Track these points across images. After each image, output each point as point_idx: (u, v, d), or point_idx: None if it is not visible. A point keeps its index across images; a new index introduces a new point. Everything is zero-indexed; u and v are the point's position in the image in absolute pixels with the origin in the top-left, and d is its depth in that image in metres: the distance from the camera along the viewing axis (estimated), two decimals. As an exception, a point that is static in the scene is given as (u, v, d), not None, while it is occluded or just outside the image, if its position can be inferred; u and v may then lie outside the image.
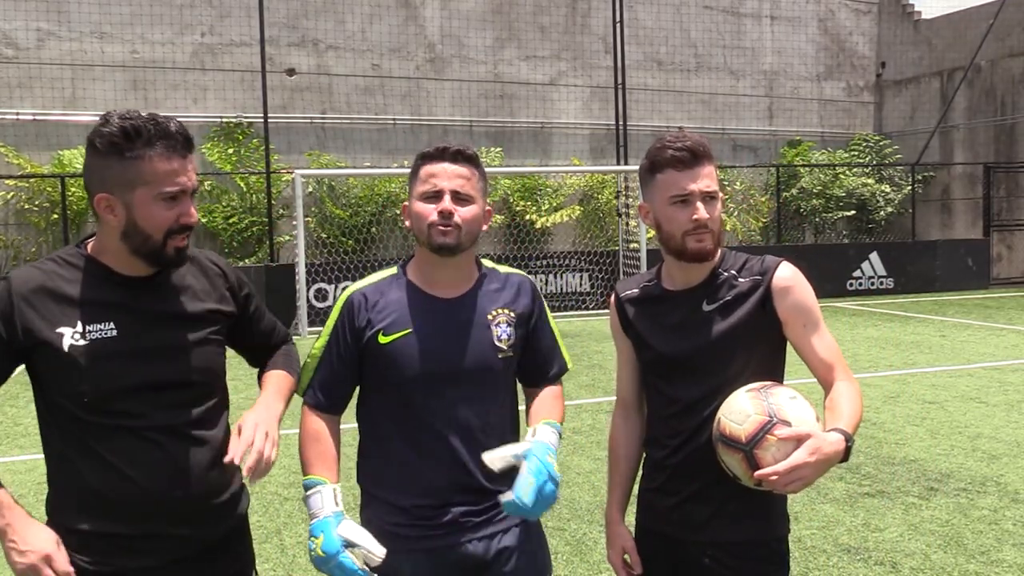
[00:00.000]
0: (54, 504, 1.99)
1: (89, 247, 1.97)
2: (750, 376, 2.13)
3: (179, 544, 1.96)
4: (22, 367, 1.94)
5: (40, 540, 1.85)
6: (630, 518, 2.39)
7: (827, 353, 2.14)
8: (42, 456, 1.98)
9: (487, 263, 2.32)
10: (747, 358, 2.15)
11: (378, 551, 1.97)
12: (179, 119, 1.96)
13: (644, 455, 2.35)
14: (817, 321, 2.18)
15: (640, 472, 2.37)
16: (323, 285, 14.50)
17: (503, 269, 2.32)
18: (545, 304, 2.36)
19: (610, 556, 2.34)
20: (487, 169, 2.34)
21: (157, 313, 1.95)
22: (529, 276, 2.44)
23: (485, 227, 2.22)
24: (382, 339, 2.12)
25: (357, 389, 2.25)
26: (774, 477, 1.85)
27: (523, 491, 1.95)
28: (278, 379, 2.20)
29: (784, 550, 2.23)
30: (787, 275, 2.20)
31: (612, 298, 2.39)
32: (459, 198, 2.12)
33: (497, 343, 2.17)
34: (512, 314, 2.21)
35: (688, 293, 2.22)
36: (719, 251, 2.24)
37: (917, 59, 21.93)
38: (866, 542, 4.65)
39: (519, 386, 2.33)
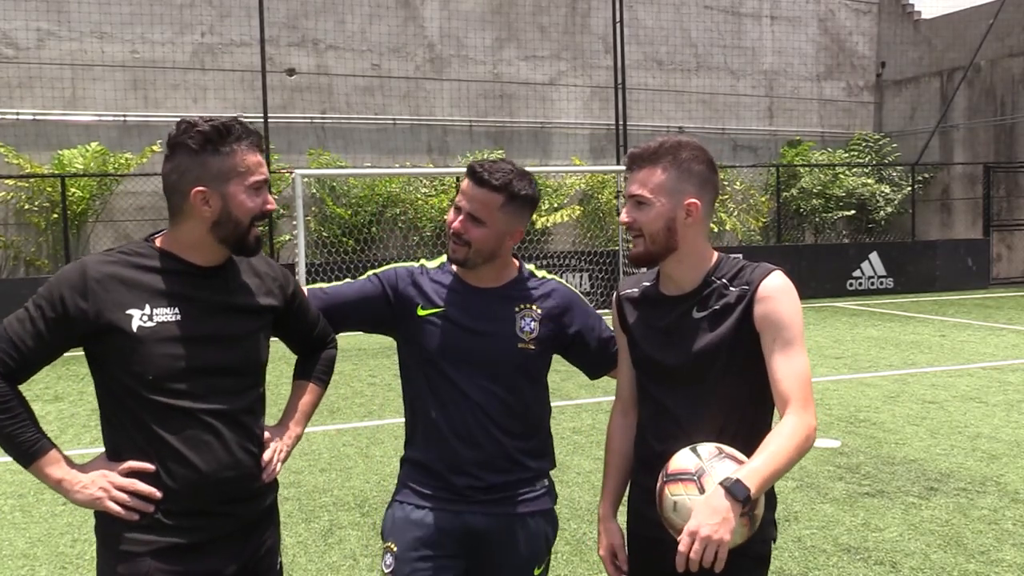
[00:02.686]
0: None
1: (158, 241, 2.13)
2: (733, 389, 2.10)
3: (222, 522, 2.11)
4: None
5: (91, 472, 2.03)
6: (623, 518, 2.39)
7: (789, 380, 2.03)
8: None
9: (530, 267, 2.55)
10: (730, 370, 2.11)
11: None
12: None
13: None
14: (789, 339, 2.06)
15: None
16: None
17: (542, 274, 2.55)
18: (591, 309, 2.55)
19: (600, 552, 2.33)
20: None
21: (216, 303, 2.11)
22: (568, 285, 2.58)
23: (511, 242, 2.38)
24: (420, 311, 2.39)
25: (398, 364, 2.52)
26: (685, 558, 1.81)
27: None
28: (306, 399, 2.45)
29: (767, 552, 2.18)
30: (773, 285, 2.10)
31: (614, 296, 2.40)
32: (473, 219, 2.31)
33: (519, 333, 2.37)
34: (539, 311, 2.41)
35: (681, 299, 2.19)
36: (714, 256, 2.20)
37: (917, 59, 21.93)
38: (866, 542, 4.65)
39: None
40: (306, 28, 17.50)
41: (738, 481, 1.85)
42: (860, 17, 22.64)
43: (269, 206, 2.11)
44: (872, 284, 17.79)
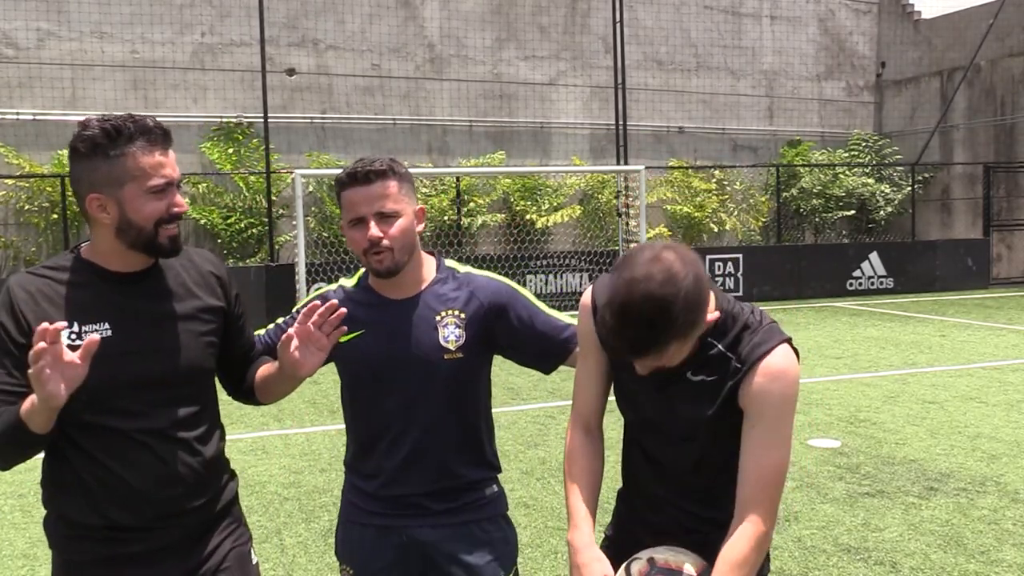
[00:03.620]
0: (48, 493, 2.05)
1: (83, 251, 2.03)
2: (722, 451, 1.92)
3: (163, 533, 2.02)
4: None
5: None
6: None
7: (757, 477, 1.84)
8: (41, 456, 2.02)
9: (451, 263, 2.35)
10: (720, 436, 1.91)
11: None
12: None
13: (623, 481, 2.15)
14: (770, 428, 1.83)
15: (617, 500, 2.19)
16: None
17: (465, 270, 2.34)
18: (524, 296, 2.33)
19: None
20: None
21: (150, 312, 2.00)
22: (497, 277, 2.36)
23: (420, 227, 2.25)
24: (341, 339, 2.17)
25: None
26: None
27: None
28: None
29: None
30: (771, 368, 1.84)
31: (587, 299, 2.06)
32: (384, 217, 2.15)
33: (444, 343, 2.22)
34: (462, 315, 2.24)
35: None
36: (718, 312, 1.88)
37: (917, 59, 21.93)
38: (866, 542, 4.65)
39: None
40: (306, 28, 17.49)
41: None
42: (860, 17, 22.63)
43: (176, 208, 1.95)
44: (872, 284, 17.78)
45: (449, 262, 2.36)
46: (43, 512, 2.09)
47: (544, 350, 2.31)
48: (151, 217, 1.93)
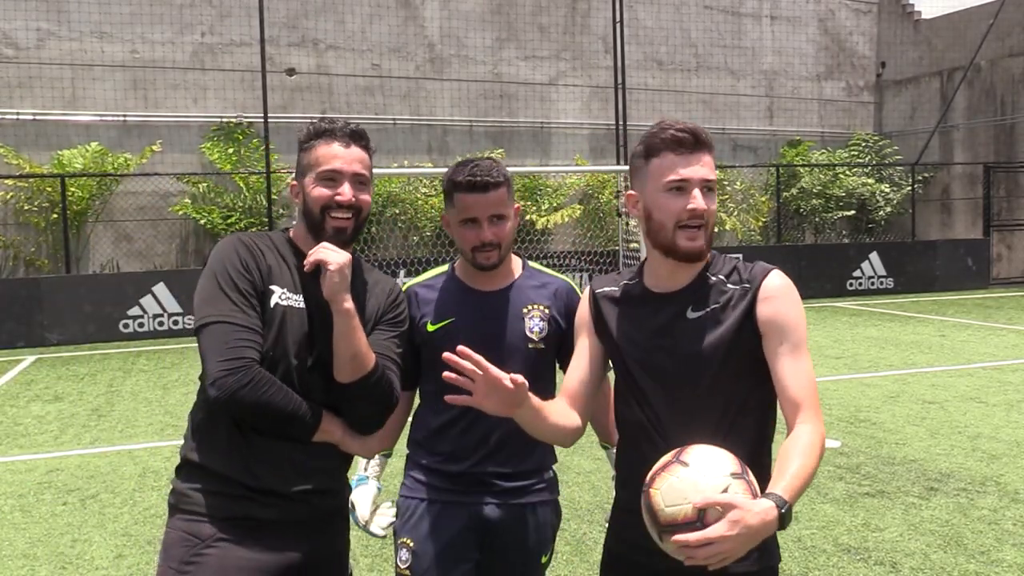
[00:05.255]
0: (195, 444, 2.15)
1: (290, 231, 2.27)
2: (728, 393, 1.97)
3: (299, 507, 2.12)
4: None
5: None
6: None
7: (798, 385, 1.91)
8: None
9: (533, 264, 2.60)
10: (727, 373, 1.97)
11: (362, 519, 2.46)
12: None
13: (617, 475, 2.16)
14: (797, 342, 1.95)
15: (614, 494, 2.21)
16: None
17: (548, 272, 2.59)
18: None
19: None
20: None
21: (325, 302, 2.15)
22: (570, 281, 2.59)
23: (517, 224, 2.49)
24: (430, 327, 2.44)
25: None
26: (685, 549, 1.64)
27: None
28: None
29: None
30: (776, 284, 1.99)
31: (587, 292, 2.24)
32: (494, 220, 2.39)
33: (529, 334, 2.44)
34: (546, 311, 2.47)
35: (673, 296, 2.04)
36: (709, 253, 2.06)
37: (917, 59, 21.94)
38: (866, 542, 4.65)
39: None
40: (306, 28, 17.50)
41: (789, 505, 1.74)
42: (860, 17, 22.64)
43: (339, 197, 2.14)
44: (872, 284, 17.79)
45: (532, 263, 2.60)
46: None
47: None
48: (318, 201, 2.15)
